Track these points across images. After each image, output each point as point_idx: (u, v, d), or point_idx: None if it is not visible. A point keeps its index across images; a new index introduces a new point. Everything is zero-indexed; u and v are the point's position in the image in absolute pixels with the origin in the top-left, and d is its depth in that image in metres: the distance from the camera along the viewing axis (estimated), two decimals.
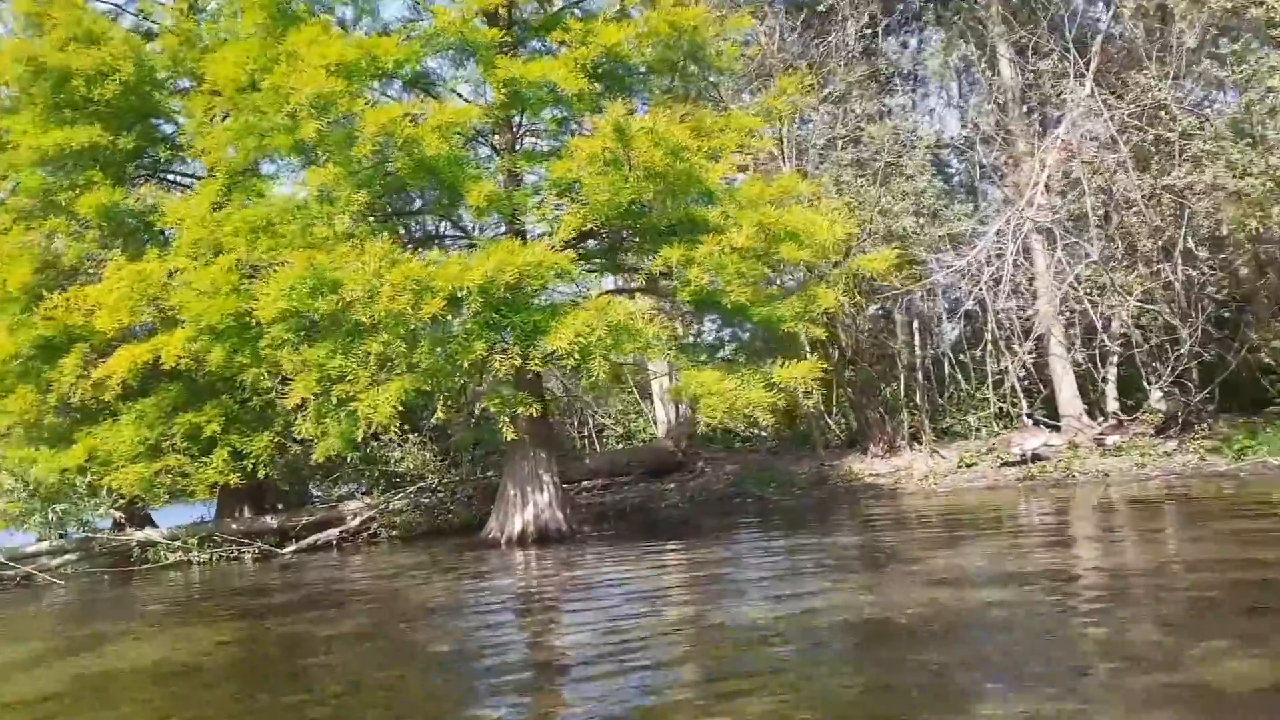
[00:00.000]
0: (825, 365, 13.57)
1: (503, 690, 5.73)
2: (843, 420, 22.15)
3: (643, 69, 13.28)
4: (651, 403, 22.81)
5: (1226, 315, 16.32)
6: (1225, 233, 14.64)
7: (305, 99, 10.67)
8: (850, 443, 20.88)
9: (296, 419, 11.36)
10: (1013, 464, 16.49)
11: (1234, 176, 12.89)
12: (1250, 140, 13.15)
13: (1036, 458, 16.50)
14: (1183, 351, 15.66)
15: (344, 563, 13.06)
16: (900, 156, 17.11)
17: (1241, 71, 13.41)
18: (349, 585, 11.23)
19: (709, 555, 10.96)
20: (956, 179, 21.09)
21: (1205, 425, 15.91)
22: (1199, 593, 6.72)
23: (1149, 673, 4.83)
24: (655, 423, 22.53)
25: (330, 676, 6.39)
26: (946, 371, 20.23)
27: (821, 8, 17.43)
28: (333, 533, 14.69)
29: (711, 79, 15.62)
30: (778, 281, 16.93)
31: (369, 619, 8.50)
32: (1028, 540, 10.15)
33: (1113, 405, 18.39)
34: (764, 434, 23.81)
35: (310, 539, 14.37)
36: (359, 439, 11.53)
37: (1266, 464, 13.49)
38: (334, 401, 10.78)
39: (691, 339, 20.16)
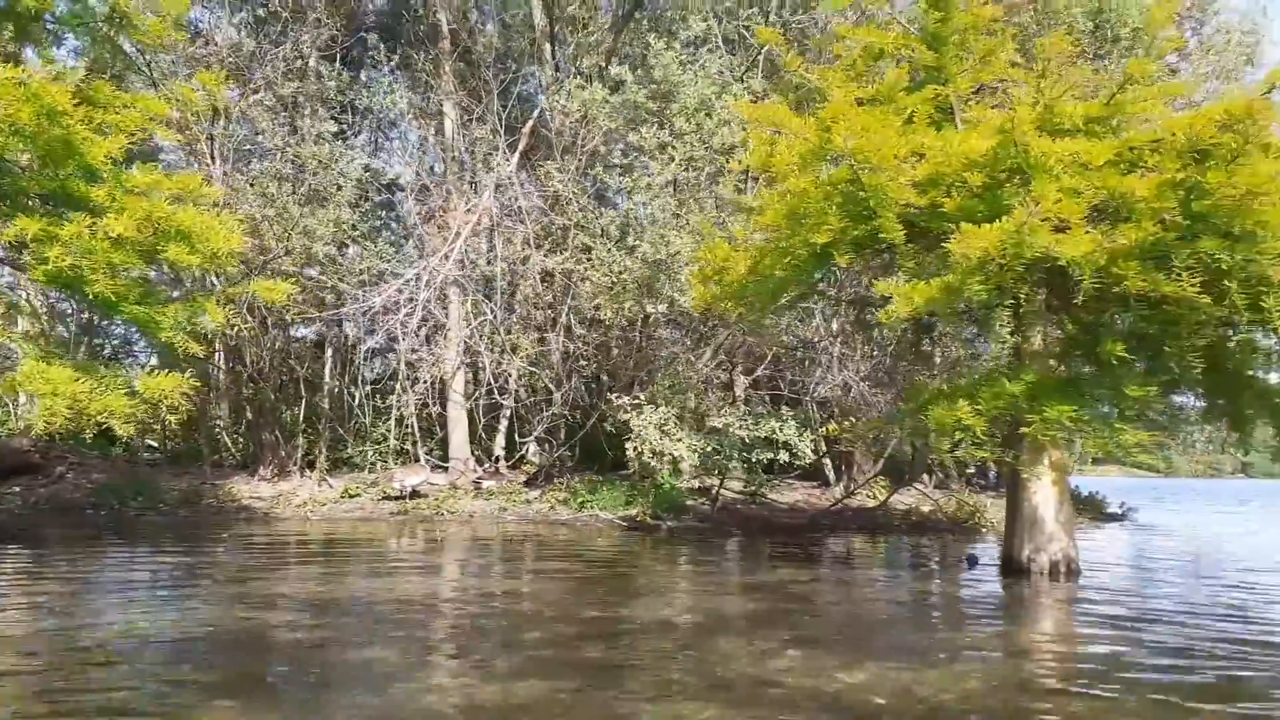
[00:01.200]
0: (200, 383, 12.88)
1: None
2: (241, 440, 21.33)
3: (49, 17, 11.87)
4: (16, 394, 19.83)
5: (594, 386, 18.84)
6: (600, 316, 16.95)
7: None
8: (245, 463, 20.18)
9: None
10: (393, 498, 17.19)
11: (603, 272, 15.10)
12: (621, 242, 15.55)
13: (416, 494, 17.39)
14: (555, 412, 17.76)
15: None
16: (337, 184, 17.23)
17: (628, 184, 15.82)
18: None
19: (16, 566, 9.73)
20: (398, 219, 21.81)
21: (565, 479, 18.11)
22: (468, 621, 7.55)
23: (362, 690, 5.28)
24: (16, 416, 19.60)
25: None
26: (358, 403, 20.53)
27: (261, 11, 17.08)
28: None
29: (141, 54, 14.42)
30: (188, 284, 15.90)
31: None
32: (357, 569, 10.56)
33: (499, 453, 20.18)
34: (152, 443, 21.96)
35: None
36: None
37: (598, 517, 15.72)
38: None
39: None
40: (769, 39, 11.41)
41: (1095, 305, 10.05)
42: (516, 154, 18.00)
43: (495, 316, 17.86)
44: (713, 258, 11.42)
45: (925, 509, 18.50)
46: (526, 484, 18.43)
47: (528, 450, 19.80)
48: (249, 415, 19.36)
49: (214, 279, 14.52)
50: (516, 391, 18.67)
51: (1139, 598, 9.70)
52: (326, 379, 19.95)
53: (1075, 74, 9.57)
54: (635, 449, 13.80)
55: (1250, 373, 10.65)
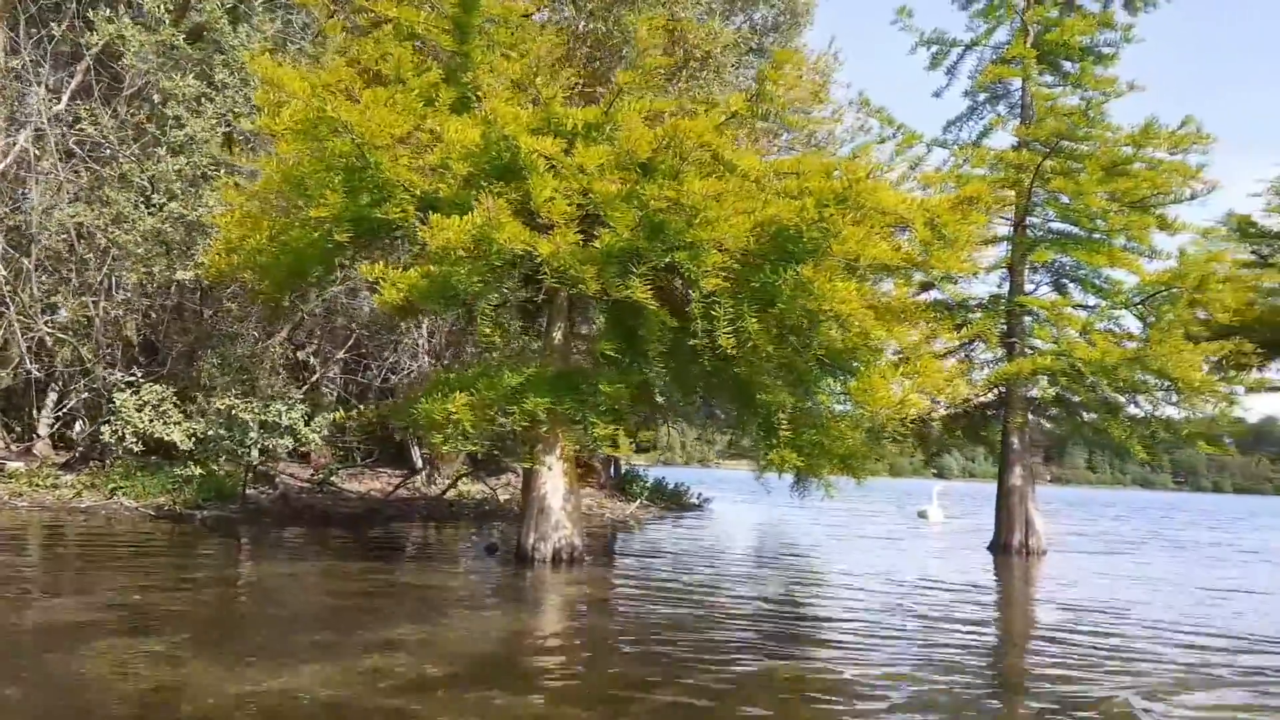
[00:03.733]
0: None
1: None
2: None
3: None
4: None
5: (142, 359, 17.03)
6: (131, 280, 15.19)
7: None
8: None
9: None
10: None
11: (125, 230, 13.60)
12: (147, 199, 14.03)
13: None
14: (96, 385, 15.87)
15: None
16: None
17: (177, 137, 14.17)
18: None
19: None
20: None
21: (105, 462, 16.24)
22: None
23: None
24: None
25: None
26: None
27: None
28: None
29: None
30: None
31: None
32: None
33: (42, 431, 17.83)
34: None
35: None
36: None
37: (124, 505, 14.20)
38: None
39: None
40: (307, 1, 10.78)
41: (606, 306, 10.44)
42: (67, 92, 15.85)
43: (28, 275, 15.63)
44: (227, 223, 10.62)
45: (504, 498, 18.74)
46: (65, 466, 16.38)
47: (74, 429, 17.64)
48: None
49: None
50: (56, 362, 16.50)
51: (636, 582, 10.21)
52: None
53: (570, 76, 9.85)
54: (114, 432, 12.52)
55: (758, 379, 11.56)
